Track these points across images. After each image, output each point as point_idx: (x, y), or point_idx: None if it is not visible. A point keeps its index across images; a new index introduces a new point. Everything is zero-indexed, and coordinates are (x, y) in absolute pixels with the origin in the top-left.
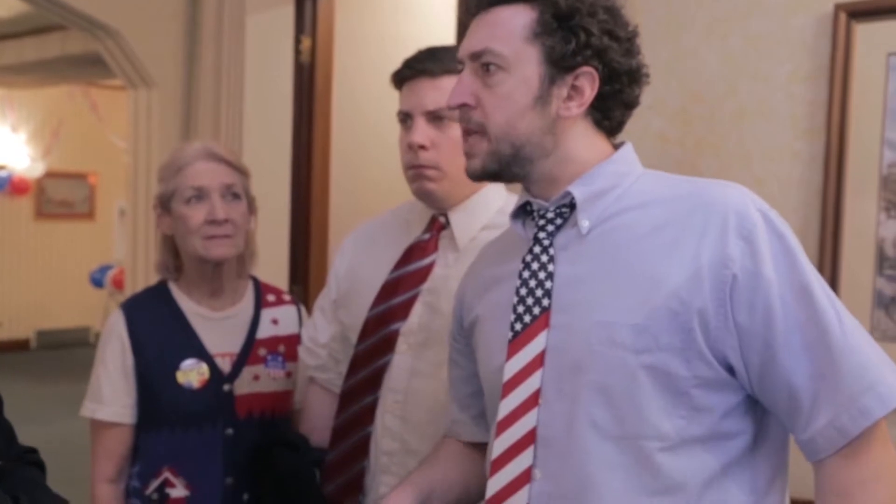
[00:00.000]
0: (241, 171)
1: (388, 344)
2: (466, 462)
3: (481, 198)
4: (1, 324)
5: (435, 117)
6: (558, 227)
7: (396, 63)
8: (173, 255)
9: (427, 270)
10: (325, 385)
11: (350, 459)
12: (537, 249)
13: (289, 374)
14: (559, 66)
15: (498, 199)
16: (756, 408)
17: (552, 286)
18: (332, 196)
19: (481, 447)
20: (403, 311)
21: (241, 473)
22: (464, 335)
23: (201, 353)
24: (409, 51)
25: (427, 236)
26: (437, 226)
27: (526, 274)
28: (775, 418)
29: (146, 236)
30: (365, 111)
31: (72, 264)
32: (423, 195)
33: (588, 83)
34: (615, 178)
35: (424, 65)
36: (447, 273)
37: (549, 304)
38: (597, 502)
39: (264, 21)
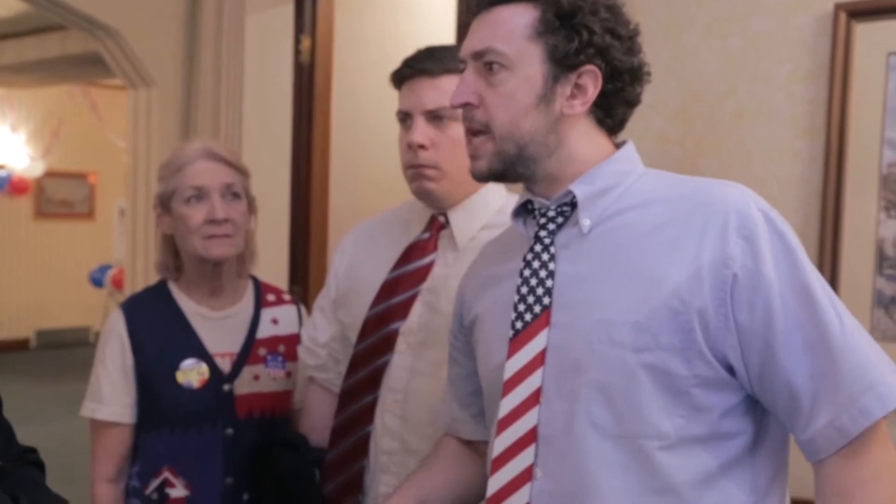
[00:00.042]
0: (241, 171)
1: (388, 343)
2: (466, 462)
3: (481, 197)
4: (1, 323)
5: (434, 117)
6: (559, 226)
7: (396, 63)
8: (173, 254)
9: (426, 270)
10: (324, 385)
11: (350, 459)
12: (538, 248)
13: (289, 374)
14: (562, 64)
15: (497, 199)
16: (756, 408)
17: (553, 284)
18: (332, 195)
19: (481, 446)
20: (403, 310)
21: (240, 473)
22: (464, 333)
23: (201, 353)
24: (409, 50)
25: (426, 236)
26: (437, 225)
27: (527, 272)
28: (775, 418)
29: (146, 236)
30: (365, 111)
31: (71, 264)
32: (423, 195)
33: (591, 81)
34: (616, 177)
35: (424, 64)
36: (447, 272)
37: (550, 303)
38: (596, 501)
39: (264, 20)
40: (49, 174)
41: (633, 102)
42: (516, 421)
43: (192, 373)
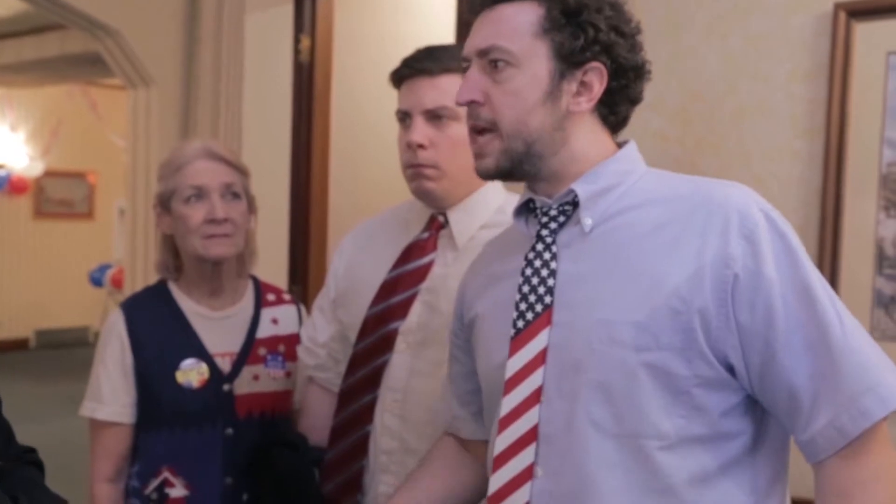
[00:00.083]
0: (241, 171)
1: (387, 343)
2: (466, 461)
3: (480, 197)
4: (0, 323)
5: (434, 116)
6: (561, 225)
7: (396, 62)
8: (173, 254)
9: (426, 269)
10: (324, 384)
11: (349, 458)
12: (540, 247)
13: (289, 374)
14: (568, 61)
15: (497, 198)
16: (756, 408)
17: (555, 283)
18: (332, 196)
19: (480, 445)
20: (402, 310)
21: (240, 473)
22: (464, 331)
23: (201, 353)
24: (409, 50)
25: (426, 235)
26: (436, 225)
27: (528, 271)
28: (775, 419)
29: (145, 236)
30: (364, 110)
31: (71, 264)
32: (422, 194)
33: (597, 78)
34: (618, 177)
35: (423, 64)
36: (446, 272)
37: (552, 302)
38: (596, 500)
39: (263, 20)
40: (48, 174)
41: (636, 100)
42: (517, 419)
43: (191, 373)
